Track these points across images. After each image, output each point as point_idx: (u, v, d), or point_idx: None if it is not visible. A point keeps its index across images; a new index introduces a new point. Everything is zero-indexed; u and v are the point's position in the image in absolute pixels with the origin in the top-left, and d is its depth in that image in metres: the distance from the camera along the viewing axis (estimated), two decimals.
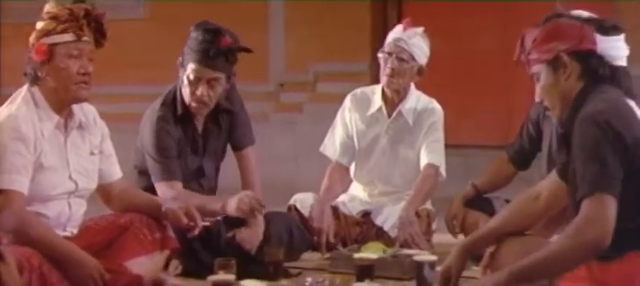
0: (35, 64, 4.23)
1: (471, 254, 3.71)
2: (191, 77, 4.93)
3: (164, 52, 8.25)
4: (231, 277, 4.14)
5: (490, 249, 3.68)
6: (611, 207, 3.14)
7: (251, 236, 4.95)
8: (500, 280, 3.27)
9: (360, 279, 4.42)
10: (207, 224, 4.70)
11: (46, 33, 4.21)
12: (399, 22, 7.61)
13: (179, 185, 4.93)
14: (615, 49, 3.98)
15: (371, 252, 4.72)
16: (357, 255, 4.57)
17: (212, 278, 4.16)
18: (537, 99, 3.53)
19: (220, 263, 4.35)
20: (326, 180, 5.42)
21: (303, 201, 5.35)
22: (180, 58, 5.01)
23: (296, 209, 5.33)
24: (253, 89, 7.98)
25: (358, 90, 5.53)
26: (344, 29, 7.82)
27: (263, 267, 4.65)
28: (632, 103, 3.45)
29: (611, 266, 3.23)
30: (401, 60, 5.26)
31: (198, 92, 4.92)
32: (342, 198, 5.51)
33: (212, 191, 5.21)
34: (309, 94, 8.06)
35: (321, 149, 5.54)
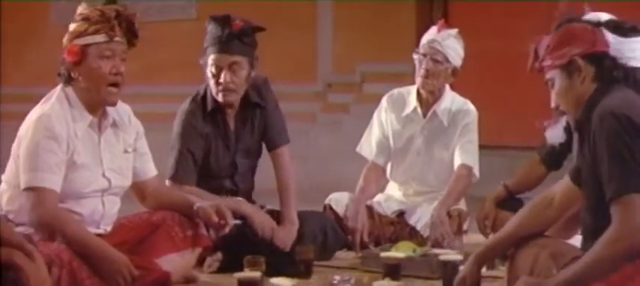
0: (68, 65, 4.32)
1: (486, 262, 3.76)
2: (213, 69, 5.03)
3: None
4: (257, 274, 4.21)
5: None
6: None
7: (285, 235, 5.03)
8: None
9: (388, 277, 4.48)
10: (238, 222, 4.77)
11: (78, 34, 4.30)
12: (444, 15, 7.68)
13: (188, 188, 5.00)
14: (634, 50, 4.00)
15: (401, 251, 4.76)
16: (384, 254, 4.62)
17: (238, 275, 4.24)
18: (552, 104, 3.55)
19: (249, 260, 4.42)
20: (361, 180, 5.47)
21: (339, 200, 5.40)
22: (202, 59, 5.09)
23: (331, 208, 5.38)
24: (302, 89, 8.08)
25: (395, 91, 5.57)
26: (390, 30, 7.86)
27: (294, 266, 4.72)
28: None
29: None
30: (435, 61, 5.30)
31: (222, 79, 5.00)
32: (378, 197, 5.55)
33: (248, 190, 5.29)
34: (356, 95, 8.11)
35: (358, 149, 5.59)
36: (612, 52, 3.98)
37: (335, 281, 4.42)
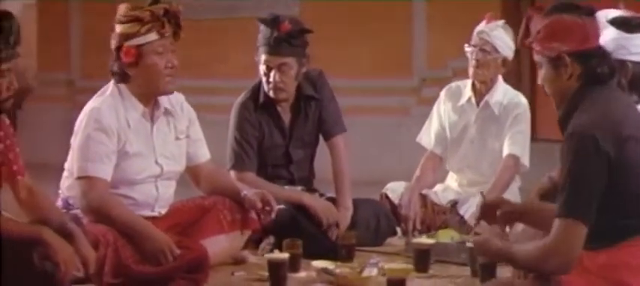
0: (124, 66, 4.64)
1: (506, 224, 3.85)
2: (263, 68, 5.33)
3: (316, 47, 8.73)
4: (284, 256, 4.51)
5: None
6: (579, 234, 3.25)
7: (340, 220, 5.29)
8: (490, 248, 3.54)
9: (417, 262, 4.70)
10: (282, 206, 5.04)
11: (131, 36, 4.59)
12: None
13: (250, 175, 5.31)
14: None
15: (440, 239, 4.99)
16: (415, 240, 4.84)
17: (268, 255, 4.56)
18: (539, 81, 3.65)
19: (288, 243, 4.73)
20: (418, 170, 5.67)
21: (395, 189, 5.62)
22: (256, 56, 5.39)
23: (387, 197, 5.60)
24: (398, 84, 8.31)
25: (453, 84, 5.77)
26: None
27: (337, 250, 4.99)
28: (626, 101, 3.53)
29: (599, 256, 3.33)
30: (484, 52, 5.46)
31: (271, 79, 5.30)
32: (437, 187, 5.74)
33: (305, 179, 5.57)
34: None
35: (418, 139, 5.80)
36: (616, 47, 4.13)
37: (367, 264, 4.68)
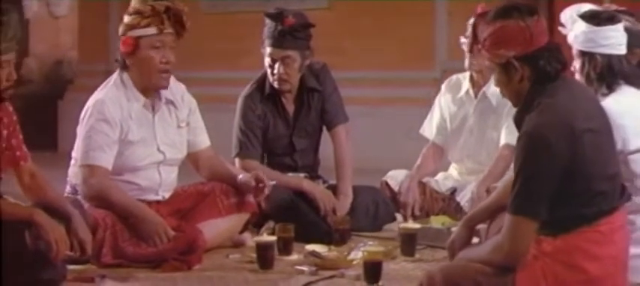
0: (123, 55, 4.89)
1: (474, 227, 3.96)
2: (268, 60, 5.54)
3: (343, 40, 8.95)
4: (272, 238, 4.73)
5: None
6: (527, 230, 3.41)
7: (339, 207, 5.50)
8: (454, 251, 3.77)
9: (403, 246, 4.88)
10: (274, 182, 5.21)
11: (131, 27, 4.85)
12: (549, 13, 7.85)
13: (254, 162, 5.52)
14: (608, 38, 4.25)
15: (431, 224, 5.17)
16: (402, 225, 5.03)
17: (256, 238, 4.78)
18: (494, 84, 3.78)
19: (280, 227, 4.94)
20: (419, 158, 5.83)
21: (395, 177, 5.79)
22: (262, 48, 5.60)
23: (387, 184, 5.78)
24: (420, 76, 8.49)
25: (453, 76, 5.91)
26: None
27: (330, 234, 5.20)
28: (582, 94, 3.63)
29: (556, 241, 3.47)
30: (478, 52, 5.59)
31: (276, 71, 5.51)
32: (439, 175, 5.89)
33: (308, 167, 5.77)
34: None
35: (421, 130, 5.95)
36: (586, 40, 4.26)
37: (357, 248, 4.87)
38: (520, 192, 3.42)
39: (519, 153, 3.44)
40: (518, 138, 3.48)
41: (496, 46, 3.53)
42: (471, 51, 4.87)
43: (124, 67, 4.93)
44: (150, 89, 4.95)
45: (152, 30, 4.85)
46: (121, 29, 4.92)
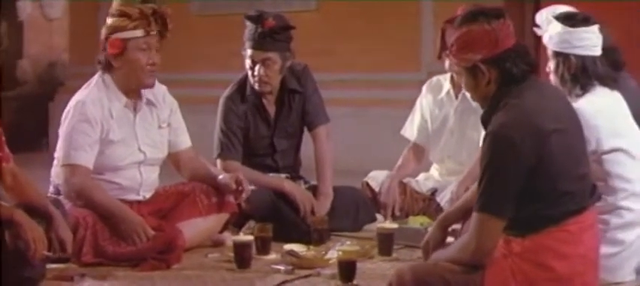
0: (109, 56, 4.95)
1: (448, 227, 3.98)
2: (249, 62, 5.59)
3: (331, 42, 9.00)
4: (249, 238, 4.78)
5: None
6: (492, 228, 3.46)
7: (319, 207, 5.55)
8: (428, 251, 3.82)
9: (380, 246, 4.93)
10: (254, 187, 5.27)
11: (119, 29, 4.91)
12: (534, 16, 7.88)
13: (235, 163, 5.56)
14: (582, 39, 4.31)
15: (410, 224, 5.22)
16: (379, 225, 5.08)
17: (234, 237, 4.84)
18: (463, 89, 3.85)
19: (258, 227, 4.99)
20: (400, 159, 5.88)
21: (376, 177, 5.84)
22: (243, 50, 5.64)
23: (368, 184, 5.83)
24: (406, 77, 8.55)
25: (434, 78, 5.95)
26: None
27: (309, 234, 5.24)
28: (551, 94, 3.66)
29: (524, 241, 3.53)
30: (447, 57, 5.63)
31: (256, 72, 5.56)
32: (420, 176, 5.94)
33: (289, 167, 5.81)
34: None
35: (402, 132, 5.99)
36: (560, 41, 4.32)
37: (335, 247, 4.91)
38: (485, 190, 3.47)
39: (485, 152, 3.49)
40: (484, 138, 3.53)
41: (463, 51, 3.58)
42: (439, 57, 4.90)
43: (109, 68, 4.97)
44: (135, 89, 5.00)
45: (139, 32, 4.91)
46: (105, 30, 4.97)
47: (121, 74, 4.96)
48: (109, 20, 4.96)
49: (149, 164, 5.08)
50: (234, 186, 5.09)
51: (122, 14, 4.93)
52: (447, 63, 5.69)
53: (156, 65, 4.97)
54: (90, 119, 4.87)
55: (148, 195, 5.10)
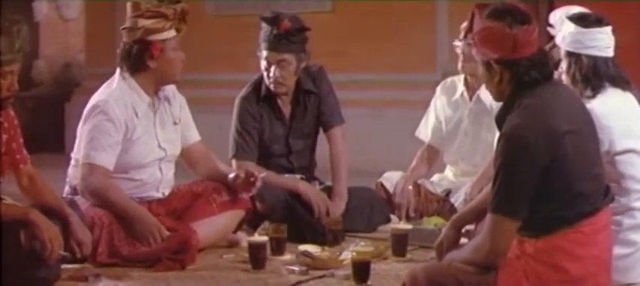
0: (147, 58, 4.93)
1: (461, 228, 4.00)
2: (264, 63, 5.61)
3: (346, 43, 9.02)
4: (264, 238, 4.80)
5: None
6: (507, 229, 3.47)
7: (334, 208, 5.57)
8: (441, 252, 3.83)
9: (394, 247, 4.95)
10: (264, 174, 5.28)
11: (156, 31, 4.92)
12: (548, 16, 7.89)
13: (250, 164, 5.56)
14: (595, 40, 4.31)
15: (424, 225, 5.24)
16: (393, 226, 5.09)
17: (248, 238, 4.86)
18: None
19: (273, 227, 5.01)
20: (414, 160, 5.90)
21: (391, 178, 5.86)
22: (258, 51, 5.67)
23: (382, 185, 5.84)
24: (422, 78, 8.56)
25: (448, 79, 5.97)
26: None
27: (323, 235, 5.26)
28: (565, 96, 3.67)
29: (538, 242, 3.54)
30: (469, 44, 5.64)
31: (272, 74, 5.59)
32: (434, 177, 5.96)
33: (304, 168, 5.84)
34: None
35: (416, 133, 6.01)
36: (573, 41, 4.33)
37: (350, 247, 4.93)
38: (499, 191, 3.49)
39: (499, 153, 3.51)
40: (498, 139, 3.55)
41: (481, 45, 3.62)
42: (465, 36, 4.90)
43: (140, 68, 4.97)
44: (161, 86, 5.06)
45: (173, 32, 4.98)
46: (138, 33, 4.93)
47: (154, 73, 5.00)
48: (142, 21, 4.93)
49: (168, 160, 5.14)
50: (243, 176, 5.10)
51: (159, 15, 4.95)
52: (459, 65, 5.71)
53: (183, 61, 5.05)
54: (113, 119, 4.91)
55: (166, 192, 5.16)
